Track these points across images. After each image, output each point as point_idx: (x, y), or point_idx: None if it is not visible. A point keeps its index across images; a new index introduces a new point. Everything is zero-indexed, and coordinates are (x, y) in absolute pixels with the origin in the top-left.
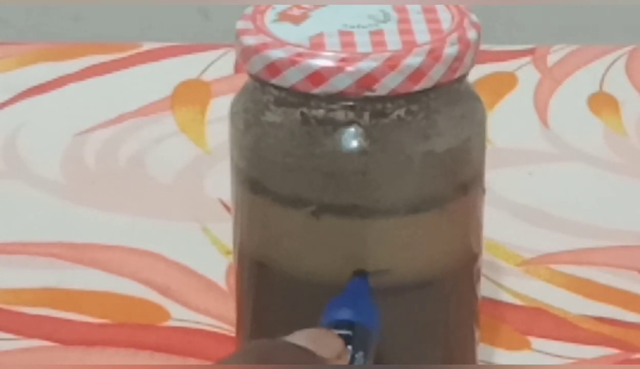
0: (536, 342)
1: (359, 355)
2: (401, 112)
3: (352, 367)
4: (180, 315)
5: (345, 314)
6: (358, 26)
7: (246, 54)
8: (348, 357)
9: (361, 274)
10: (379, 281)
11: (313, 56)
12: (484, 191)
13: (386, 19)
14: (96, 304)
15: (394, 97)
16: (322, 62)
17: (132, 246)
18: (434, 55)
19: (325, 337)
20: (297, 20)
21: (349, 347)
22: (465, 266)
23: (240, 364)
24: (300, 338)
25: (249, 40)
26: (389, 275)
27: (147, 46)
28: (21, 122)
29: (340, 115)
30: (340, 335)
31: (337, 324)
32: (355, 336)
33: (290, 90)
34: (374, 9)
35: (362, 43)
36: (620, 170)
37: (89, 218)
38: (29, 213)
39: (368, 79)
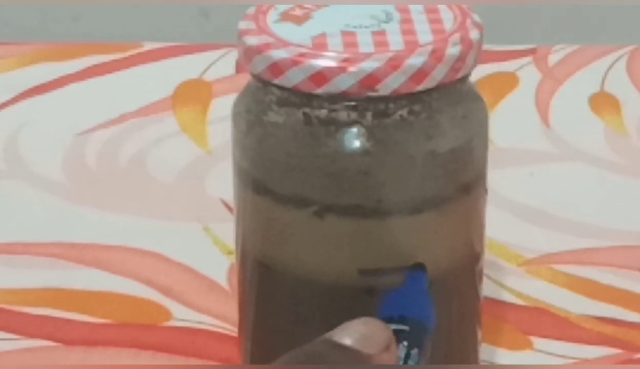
0: (538, 342)
1: (414, 352)
2: (404, 112)
3: (376, 367)
4: (182, 315)
5: (401, 309)
6: (360, 26)
7: (248, 54)
8: (398, 349)
9: (419, 268)
10: (384, 280)
11: (315, 56)
12: (486, 191)
13: (388, 19)
14: (98, 304)
15: (396, 97)
16: (325, 62)
17: (134, 247)
18: (436, 55)
19: (371, 329)
20: (299, 20)
21: (405, 343)
22: (468, 266)
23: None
24: (344, 333)
25: (252, 41)
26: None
27: (148, 46)
28: (22, 122)
29: (342, 115)
30: (396, 330)
31: (393, 319)
32: (411, 331)
33: (293, 91)
34: (376, 9)
35: (365, 43)
36: (622, 170)
37: (90, 218)
38: (30, 213)
39: (370, 79)
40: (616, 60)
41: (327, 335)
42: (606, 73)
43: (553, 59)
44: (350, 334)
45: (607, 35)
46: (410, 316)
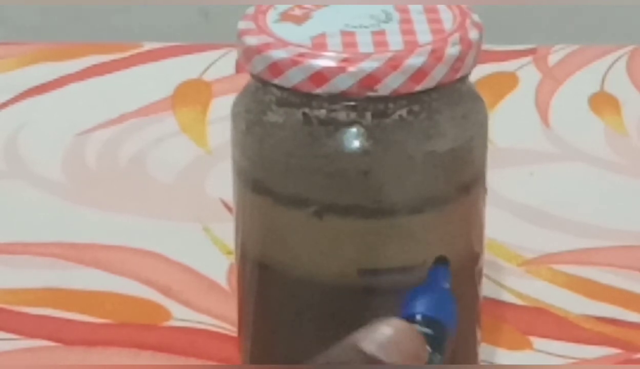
0: (537, 342)
1: (437, 358)
2: (403, 112)
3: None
4: (181, 315)
5: (424, 307)
6: (360, 26)
7: (248, 54)
8: (426, 357)
9: (442, 263)
10: (384, 280)
11: (315, 56)
12: (485, 191)
13: (388, 19)
14: (98, 304)
15: (396, 97)
16: (324, 62)
17: (134, 247)
18: (436, 55)
19: (400, 336)
20: (299, 20)
21: (428, 348)
22: (467, 266)
23: None
24: (370, 338)
25: (251, 41)
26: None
27: (147, 46)
28: (22, 122)
29: (342, 115)
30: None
31: (416, 319)
32: (435, 336)
33: (292, 91)
34: (375, 9)
35: (364, 43)
36: (621, 170)
37: (90, 218)
38: (30, 214)
39: (370, 79)
40: (616, 60)
41: (353, 339)
42: (606, 73)
43: (553, 58)
44: (377, 340)
45: (607, 35)
46: (433, 317)
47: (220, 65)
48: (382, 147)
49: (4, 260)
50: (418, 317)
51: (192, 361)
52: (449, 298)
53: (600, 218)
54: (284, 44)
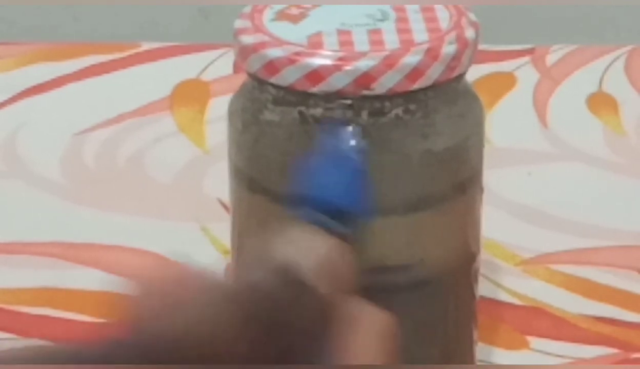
0: (535, 342)
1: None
2: (399, 110)
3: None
4: None
5: (338, 198)
6: (356, 25)
7: (244, 53)
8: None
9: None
10: (380, 279)
11: (311, 55)
12: (482, 190)
13: (384, 18)
14: (96, 304)
15: (392, 96)
16: (320, 60)
17: (132, 246)
18: (432, 54)
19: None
20: (295, 19)
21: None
22: (464, 266)
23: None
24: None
25: (247, 39)
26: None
27: (146, 46)
28: (21, 122)
29: (338, 113)
30: (333, 231)
31: (325, 208)
32: (352, 235)
33: (289, 89)
34: (372, 8)
35: (360, 42)
36: (620, 169)
37: (88, 218)
38: (29, 213)
39: (366, 78)
40: (614, 60)
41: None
42: (604, 73)
43: (551, 58)
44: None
45: (605, 35)
46: (350, 211)
47: (218, 65)
48: (378, 145)
49: (3, 259)
50: (324, 204)
51: None
52: (349, 168)
53: (598, 218)
54: (280, 42)
